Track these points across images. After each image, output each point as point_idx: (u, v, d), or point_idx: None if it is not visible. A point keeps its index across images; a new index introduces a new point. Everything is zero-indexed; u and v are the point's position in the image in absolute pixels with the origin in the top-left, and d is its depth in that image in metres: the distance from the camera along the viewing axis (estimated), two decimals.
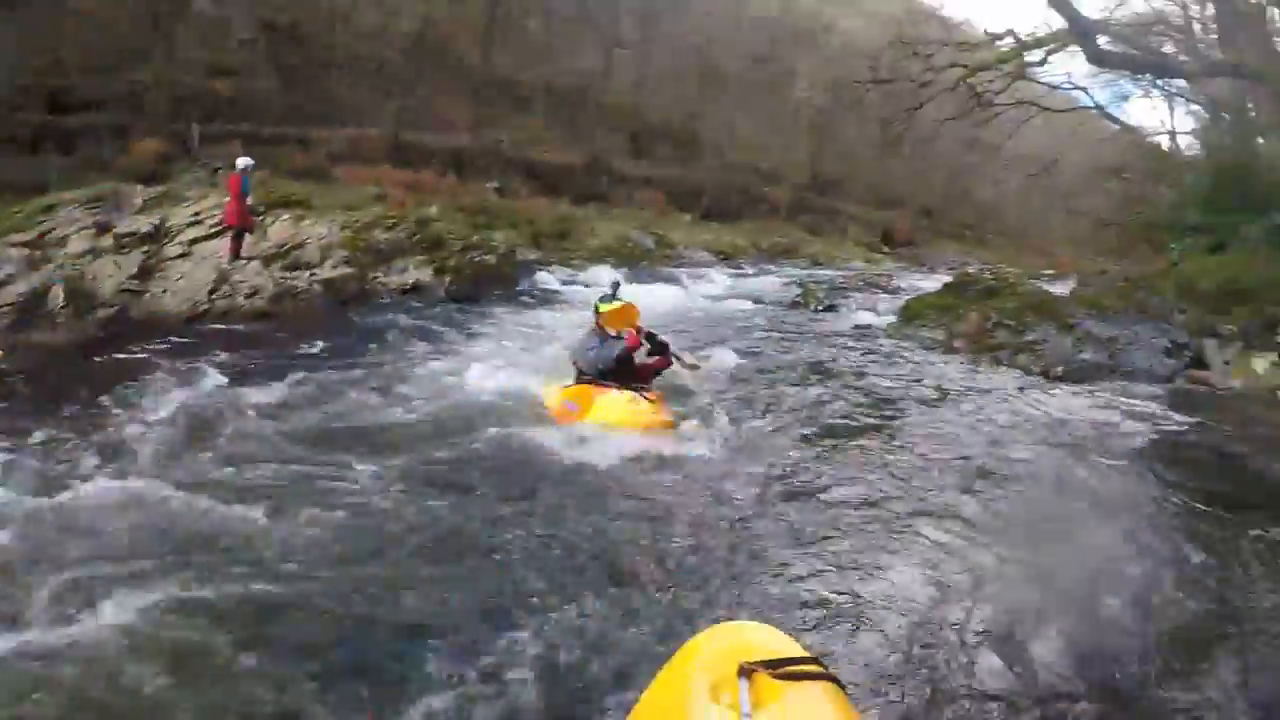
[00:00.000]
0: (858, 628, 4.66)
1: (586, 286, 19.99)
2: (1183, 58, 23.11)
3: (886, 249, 56.35)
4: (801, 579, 5.20)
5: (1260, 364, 13.60)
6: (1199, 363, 13.89)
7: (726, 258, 33.55)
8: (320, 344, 11.87)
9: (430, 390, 9.73)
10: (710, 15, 49.13)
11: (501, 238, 24.80)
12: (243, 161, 15.93)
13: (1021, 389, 11.46)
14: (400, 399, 9.30)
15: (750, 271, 30.99)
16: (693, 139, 48.12)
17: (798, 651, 2.31)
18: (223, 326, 13.02)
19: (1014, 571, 5.44)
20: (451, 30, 43.13)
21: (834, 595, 5.00)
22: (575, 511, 6.27)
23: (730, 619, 4.24)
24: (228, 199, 15.35)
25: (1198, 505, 6.93)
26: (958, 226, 71.97)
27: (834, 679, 2.26)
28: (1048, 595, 5.10)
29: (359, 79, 34.67)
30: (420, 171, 29.88)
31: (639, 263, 28.20)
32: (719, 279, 25.49)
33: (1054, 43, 21.01)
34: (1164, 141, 38.52)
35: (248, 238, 15.47)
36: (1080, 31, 11.49)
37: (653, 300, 18.97)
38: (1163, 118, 47.59)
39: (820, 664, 2.25)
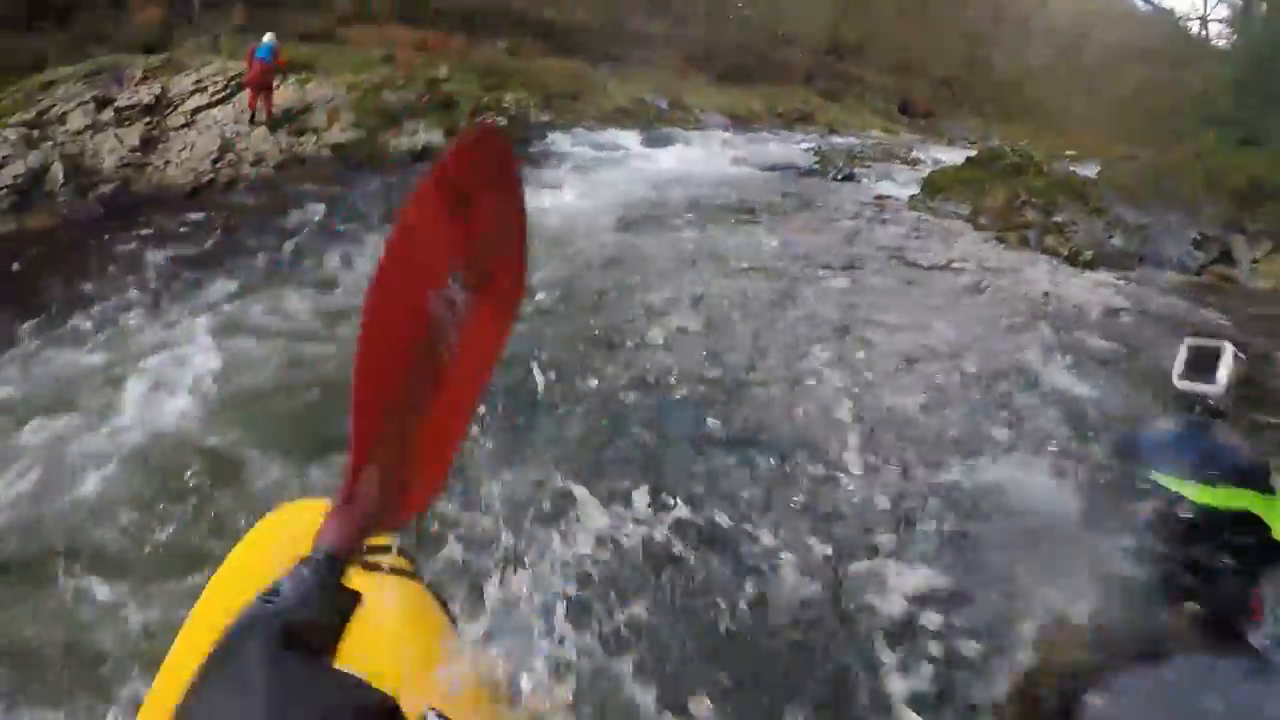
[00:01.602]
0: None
1: (597, 149, 19.58)
2: None
3: (905, 118, 55.44)
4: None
5: None
6: (1227, 258, 13.67)
7: (743, 121, 32.95)
8: (324, 212, 11.45)
9: None
10: None
11: (513, 98, 24.28)
12: (268, 37, 16.11)
13: (1049, 271, 11.18)
14: None
15: (767, 136, 30.46)
16: None
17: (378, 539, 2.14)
18: (228, 198, 12.59)
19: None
20: None
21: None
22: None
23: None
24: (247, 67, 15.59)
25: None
26: (978, 99, 70.72)
27: (414, 574, 2.14)
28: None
29: None
30: (429, 31, 29.13)
31: (653, 125, 27.71)
32: (736, 143, 24.97)
33: None
34: (1195, 27, 37.76)
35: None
36: None
37: (667, 164, 18.64)
38: (1196, 2, 46.63)
39: (404, 555, 2.08)
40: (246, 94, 15.77)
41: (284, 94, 15.61)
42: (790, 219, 13.19)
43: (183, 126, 14.30)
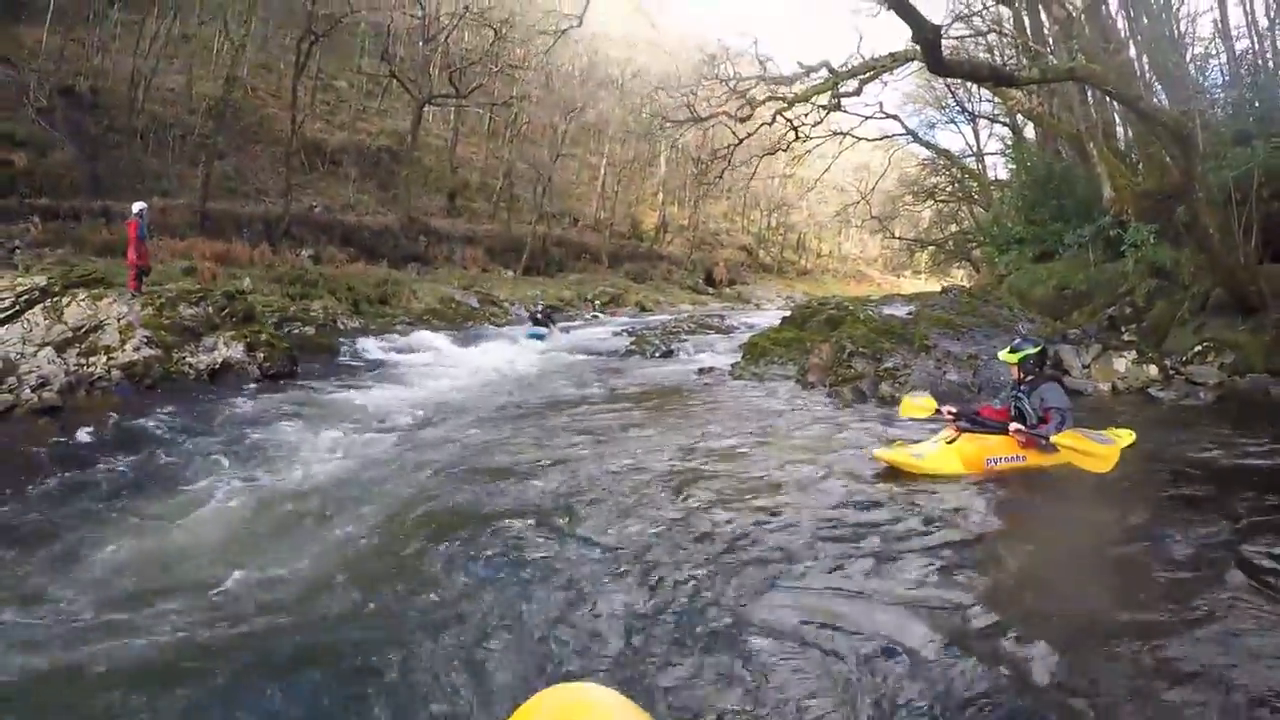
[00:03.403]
0: (716, 695, 4.26)
1: (409, 352, 19.17)
2: (1013, 65, 23.73)
3: (711, 289, 57.16)
4: (658, 642, 4.77)
5: (1121, 364, 14.11)
6: (1059, 369, 14.22)
7: (556, 310, 33.37)
8: (105, 448, 9.49)
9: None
10: (518, 69, 49.26)
11: (319, 307, 23.94)
12: (137, 206, 17.17)
13: (887, 420, 10.91)
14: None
15: (578, 323, 30.77)
16: (509, 194, 47.95)
17: (640, 717, 2.04)
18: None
19: (890, 620, 5.03)
20: (260, 93, 42.09)
21: (688, 659, 4.59)
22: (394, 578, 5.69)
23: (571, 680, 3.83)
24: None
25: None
26: (778, 260, 73.71)
27: None
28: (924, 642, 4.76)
29: (164, 147, 33.35)
30: (232, 242, 28.68)
31: (465, 323, 27.62)
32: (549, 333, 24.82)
33: (883, 67, 21.36)
34: (971, 163, 40.39)
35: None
36: (924, 38, 11.41)
37: (483, 360, 18.35)
38: (968, 141, 49.77)
39: None
40: (129, 275, 16.26)
41: (74, 310, 14.83)
42: (609, 410, 12.41)
43: None
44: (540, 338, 23.14)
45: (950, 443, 8.21)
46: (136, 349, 13.80)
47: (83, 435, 9.83)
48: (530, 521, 6.71)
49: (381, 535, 6.49)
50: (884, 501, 7.25)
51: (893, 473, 8.12)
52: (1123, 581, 5.91)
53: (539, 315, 24.76)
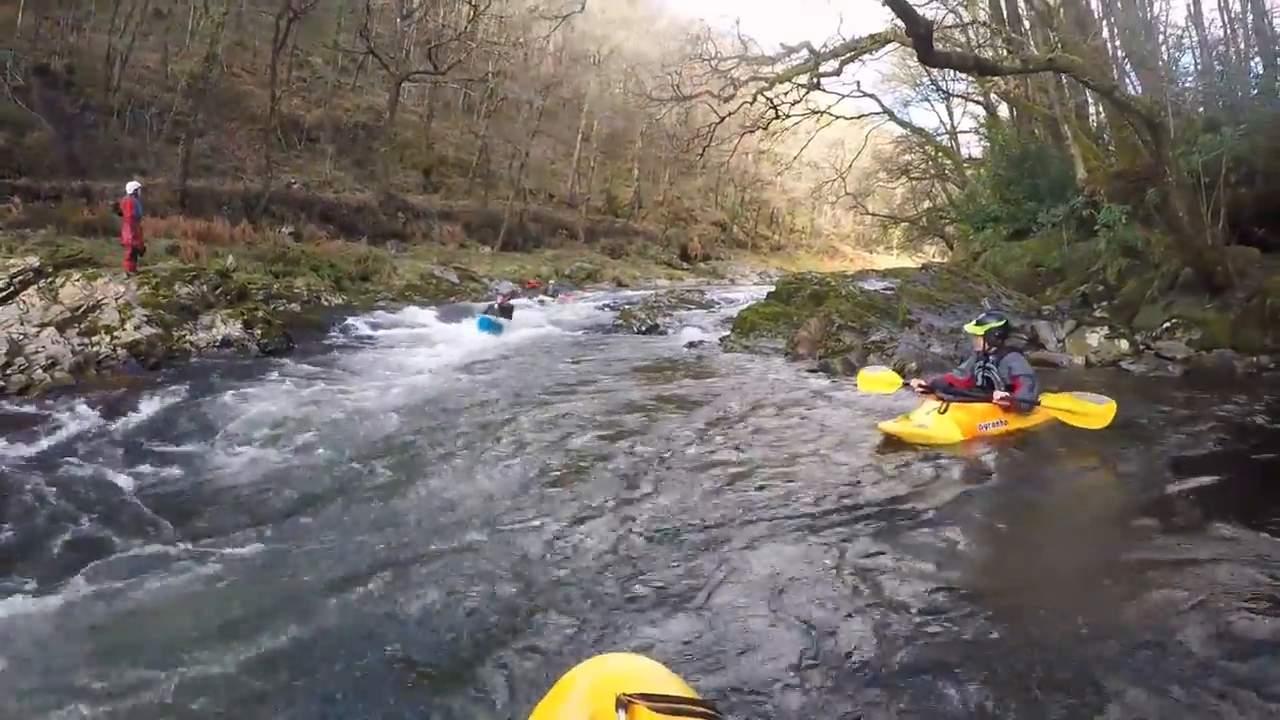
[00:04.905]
0: (746, 664, 4.31)
1: (399, 328, 19.35)
2: (993, 54, 24.05)
3: (686, 265, 57.36)
4: (688, 613, 4.89)
5: (1094, 339, 14.66)
6: (1035, 343, 14.73)
7: (533, 287, 33.48)
8: (128, 426, 9.54)
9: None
10: (496, 45, 49.14)
11: (303, 284, 24.02)
12: (132, 185, 17.88)
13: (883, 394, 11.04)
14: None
15: (561, 299, 30.91)
16: (486, 170, 47.97)
17: (679, 687, 2.29)
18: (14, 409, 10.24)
19: (898, 589, 5.16)
20: (235, 70, 41.91)
21: (721, 630, 4.66)
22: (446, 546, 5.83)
23: (610, 651, 4.09)
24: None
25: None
26: (752, 236, 73.92)
27: (716, 716, 2.18)
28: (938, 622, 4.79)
29: (141, 125, 33.17)
30: (212, 220, 28.60)
31: (447, 298, 27.73)
32: (530, 308, 24.81)
33: (863, 48, 21.60)
34: (945, 141, 40.65)
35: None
36: (917, 32, 11.79)
37: (474, 336, 18.34)
38: (942, 119, 49.99)
39: (704, 703, 2.19)
40: (125, 255, 16.79)
41: (70, 291, 14.89)
42: (611, 384, 12.50)
43: None
44: (495, 327, 19.50)
45: (943, 412, 8.73)
46: (137, 328, 13.99)
47: (105, 413, 10.01)
48: (549, 496, 6.96)
49: (411, 513, 6.65)
50: (900, 470, 7.76)
51: (898, 442, 8.66)
52: (1103, 532, 6.61)
53: (495, 308, 22.07)
